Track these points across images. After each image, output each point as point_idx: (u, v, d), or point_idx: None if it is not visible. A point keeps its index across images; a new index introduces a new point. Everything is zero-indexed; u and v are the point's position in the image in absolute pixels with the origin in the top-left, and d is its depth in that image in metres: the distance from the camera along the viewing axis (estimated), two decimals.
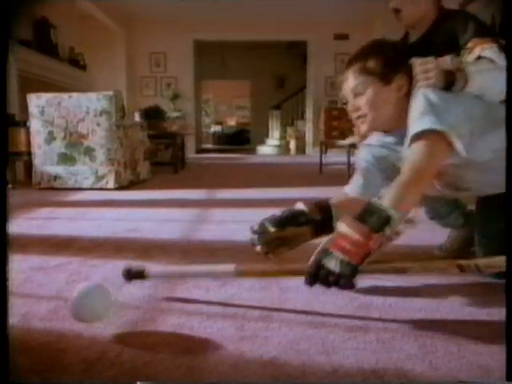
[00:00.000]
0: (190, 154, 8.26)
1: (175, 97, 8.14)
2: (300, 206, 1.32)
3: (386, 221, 0.96)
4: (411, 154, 1.06)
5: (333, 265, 0.94)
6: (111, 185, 3.76)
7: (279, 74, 11.90)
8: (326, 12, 7.87)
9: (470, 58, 1.33)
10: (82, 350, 0.93)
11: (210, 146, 14.07)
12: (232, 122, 15.91)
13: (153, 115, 5.67)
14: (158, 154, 5.75)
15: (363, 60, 1.22)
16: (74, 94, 3.82)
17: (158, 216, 2.60)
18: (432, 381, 0.82)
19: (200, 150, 9.99)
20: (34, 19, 5.26)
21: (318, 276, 0.95)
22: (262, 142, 10.61)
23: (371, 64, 1.21)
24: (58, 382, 0.83)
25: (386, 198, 1.00)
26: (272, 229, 1.24)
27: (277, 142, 10.34)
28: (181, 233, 2.12)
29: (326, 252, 0.96)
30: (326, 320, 1.05)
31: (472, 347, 0.92)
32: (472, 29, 1.37)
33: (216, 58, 11.56)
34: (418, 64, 1.19)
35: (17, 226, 2.24)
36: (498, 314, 1.07)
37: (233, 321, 1.06)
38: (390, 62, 1.20)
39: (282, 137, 10.46)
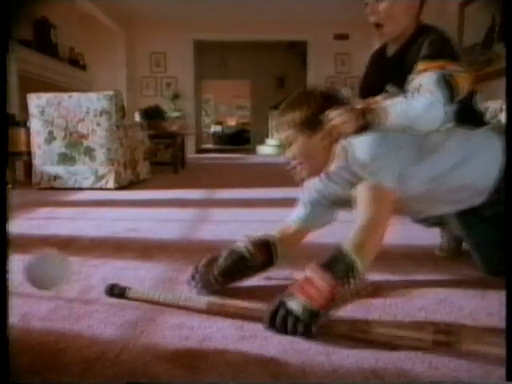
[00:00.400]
0: (190, 154, 8.26)
1: (175, 97, 8.15)
2: (241, 247, 1.28)
3: (350, 268, 0.99)
4: (364, 202, 1.10)
5: (294, 306, 0.96)
6: (111, 185, 3.76)
7: (279, 73, 11.91)
8: (326, 12, 7.87)
9: (411, 85, 1.34)
10: (81, 349, 0.93)
11: (210, 146, 14.08)
12: (232, 122, 15.92)
13: (153, 115, 5.67)
14: (158, 153, 5.76)
15: (290, 112, 1.27)
16: (74, 94, 3.82)
17: (158, 216, 2.60)
18: (432, 381, 0.82)
19: (200, 150, 10.00)
20: (34, 19, 5.27)
21: (277, 315, 0.97)
22: (262, 142, 10.60)
23: (297, 116, 1.25)
24: (58, 382, 0.83)
25: (349, 243, 1.03)
26: (217, 286, 1.23)
27: (277, 142, 10.33)
28: (181, 233, 2.12)
29: (290, 294, 0.99)
30: (326, 320, 1.05)
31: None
32: (429, 50, 1.36)
33: (216, 58, 11.57)
34: (331, 117, 1.22)
35: (17, 226, 2.24)
36: (497, 313, 1.07)
37: (233, 321, 1.06)
38: (314, 112, 1.23)
39: None
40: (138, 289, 1.25)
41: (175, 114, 7.64)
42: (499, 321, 1.02)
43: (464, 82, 1.30)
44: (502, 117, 3.86)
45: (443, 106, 1.25)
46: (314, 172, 1.31)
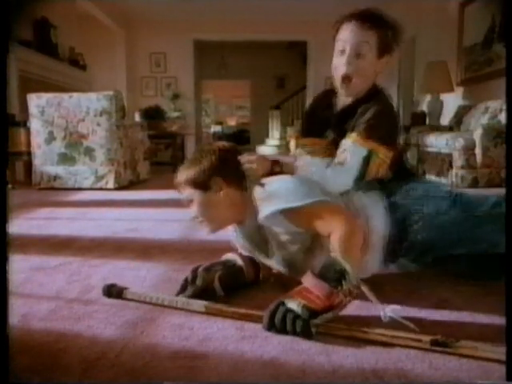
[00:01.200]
0: (190, 154, 8.25)
1: (175, 97, 8.14)
2: (239, 260, 1.30)
3: (342, 273, 1.03)
4: (323, 222, 1.14)
5: (294, 306, 0.99)
6: (111, 185, 3.76)
7: (279, 74, 11.90)
8: (326, 12, 7.84)
9: (340, 145, 1.40)
10: (81, 349, 0.93)
11: None
12: (232, 122, 15.92)
13: (153, 115, 5.68)
14: (158, 153, 5.76)
15: (186, 171, 1.29)
16: (74, 94, 3.82)
17: (157, 216, 2.60)
18: (432, 381, 0.82)
19: None
20: (34, 19, 5.26)
21: (276, 314, 0.99)
22: (262, 142, 10.60)
23: (192, 174, 1.27)
24: (58, 382, 0.83)
25: (335, 252, 1.07)
26: (221, 292, 1.21)
27: (277, 142, 10.34)
28: (181, 233, 2.12)
29: (288, 297, 1.02)
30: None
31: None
32: (363, 125, 1.39)
33: (216, 58, 11.57)
34: (245, 162, 1.30)
35: (17, 226, 2.24)
36: (498, 314, 1.07)
37: (233, 321, 1.06)
38: (208, 169, 1.26)
39: (282, 137, 10.46)
40: (136, 290, 1.24)
41: (175, 114, 7.63)
42: (499, 321, 1.02)
43: (380, 166, 1.38)
44: (502, 117, 3.86)
45: (352, 179, 1.34)
46: (219, 226, 1.32)
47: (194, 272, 1.24)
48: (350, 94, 1.47)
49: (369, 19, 1.39)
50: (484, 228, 1.19)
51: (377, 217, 1.25)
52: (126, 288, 1.23)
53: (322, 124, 1.54)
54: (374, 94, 1.46)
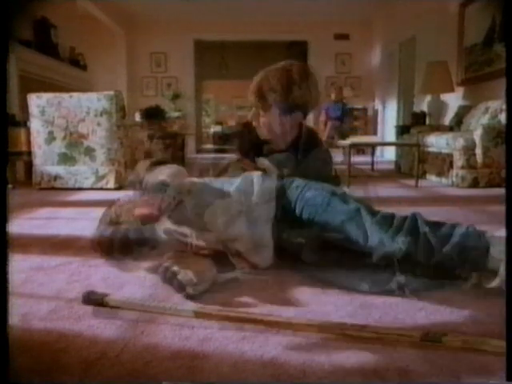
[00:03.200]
0: (190, 154, 8.26)
1: (176, 97, 8.14)
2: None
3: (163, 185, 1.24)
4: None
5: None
6: (111, 185, 3.76)
7: None
8: (326, 12, 7.87)
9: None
10: (81, 349, 0.93)
11: (210, 146, 14.07)
12: (232, 122, 15.91)
13: (153, 115, 5.68)
14: (158, 153, 5.75)
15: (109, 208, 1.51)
16: (75, 94, 3.82)
17: None
18: (432, 381, 0.82)
19: (200, 150, 9.99)
20: (34, 19, 5.27)
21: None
22: None
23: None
24: (58, 382, 0.83)
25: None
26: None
27: None
28: None
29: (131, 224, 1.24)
30: (326, 320, 1.05)
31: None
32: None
33: (216, 58, 11.57)
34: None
35: (17, 225, 2.24)
36: (498, 313, 1.07)
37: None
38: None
39: None
40: (117, 297, 1.19)
41: (175, 114, 7.63)
42: (500, 321, 1.02)
43: None
44: (502, 117, 3.86)
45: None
46: None
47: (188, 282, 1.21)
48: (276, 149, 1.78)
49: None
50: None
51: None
52: (106, 295, 1.18)
53: (254, 150, 1.90)
54: (302, 138, 1.81)
